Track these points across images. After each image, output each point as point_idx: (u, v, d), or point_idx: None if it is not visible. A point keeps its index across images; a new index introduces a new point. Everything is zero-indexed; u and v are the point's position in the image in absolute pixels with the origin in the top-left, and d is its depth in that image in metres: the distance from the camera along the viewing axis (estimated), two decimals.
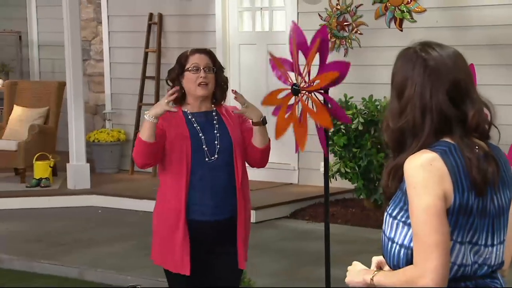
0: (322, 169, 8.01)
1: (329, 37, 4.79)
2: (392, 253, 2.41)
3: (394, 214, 2.41)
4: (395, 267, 2.42)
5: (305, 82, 4.69)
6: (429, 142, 2.37)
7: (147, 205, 7.31)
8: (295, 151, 5.02)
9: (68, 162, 9.29)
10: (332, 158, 7.97)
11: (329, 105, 4.73)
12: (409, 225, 2.37)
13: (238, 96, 4.10)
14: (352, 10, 8.78)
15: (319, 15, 8.90)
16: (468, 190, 2.34)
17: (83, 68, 9.88)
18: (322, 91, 4.72)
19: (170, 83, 4.24)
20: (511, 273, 2.75)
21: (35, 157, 9.31)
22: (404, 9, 8.46)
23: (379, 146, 7.88)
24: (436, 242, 2.28)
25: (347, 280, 2.53)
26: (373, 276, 2.44)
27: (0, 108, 10.98)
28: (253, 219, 7.45)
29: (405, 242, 2.38)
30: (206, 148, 4.10)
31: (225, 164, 4.11)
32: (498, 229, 2.42)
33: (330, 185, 5.10)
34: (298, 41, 4.64)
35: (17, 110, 10.05)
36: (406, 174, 2.34)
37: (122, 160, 10.22)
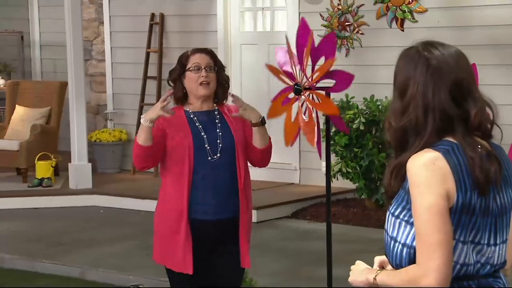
0: (323, 169, 8.02)
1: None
2: (395, 252, 2.41)
3: (396, 213, 2.42)
4: (397, 266, 2.42)
5: (307, 79, 4.69)
6: (431, 141, 2.37)
7: (149, 205, 7.31)
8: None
9: (70, 162, 9.30)
10: (333, 158, 7.98)
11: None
12: (411, 224, 2.37)
13: (235, 99, 4.11)
14: (354, 10, 8.79)
15: (321, 15, 8.90)
16: (470, 189, 2.34)
17: (85, 68, 9.89)
18: (324, 93, 4.73)
19: (172, 83, 4.25)
20: None
21: (37, 157, 9.32)
22: (406, 9, 8.47)
23: (380, 146, 7.88)
24: (439, 241, 2.29)
25: (350, 279, 2.53)
26: (376, 276, 2.44)
27: (2, 108, 11.00)
28: (254, 219, 7.46)
29: (408, 241, 2.38)
30: (208, 147, 4.11)
31: (228, 163, 4.12)
32: (501, 228, 2.42)
33: (332, 185, 5.11)
34: (304, 40, 4.64)
35: (19, 110, 10.06)
36: (409, 173, 2.35)
37: (124, 160, 10.23)
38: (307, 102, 4.67)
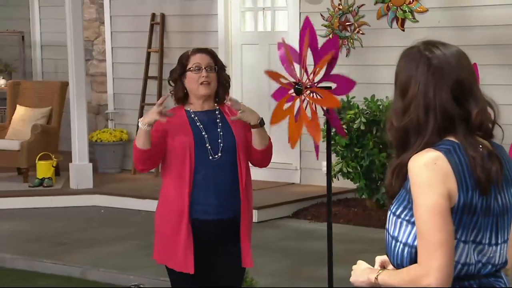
0: (324, 169, 8.02)
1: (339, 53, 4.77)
2: (396, 251, 2.41)
3: (397, 212, 2.42)
4: (398, 266, 2.42)
5: (308, 79, 4.69)
6: (432, 140, 2.37)
7: (150, 205, 7.32)
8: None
9: (71, 162, 9.30)
10: (334, 158, 7.98)
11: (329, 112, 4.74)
12: (413, 223, 2.37)
13: (233, 103, 4.11)
14: (354, 10, 8.79)
15: (321, 15, 8.91)
16: (472, 189, 2.34)
17: (86, 68, 9.89)
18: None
19: (173, 83, 4.25)
20: None
21: (38, 156, 9.32)
22: (406, 9, 8.47)
23: (381, 146, 7.89)
24: (441, 240, 2.29)
25: (351, 279, 2.53)
26: (377, 275, 2.44)
27: (3, 108, 11.00)
28: (255, 218, 7.46)
29: (409, 241, 2.38)
30: (209, 147, 4.11)
31: (229, 163, 4.12)
32: (502, 228, 2.42)
33: (332, 185, 5.11)
34: (310, 39, 4.63)
35: (20, 110, 10.07)
36: (411, 173, 2.35)
37: (125, 160, 10.24)
38: (308, 99, 4.66)
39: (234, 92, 9.30)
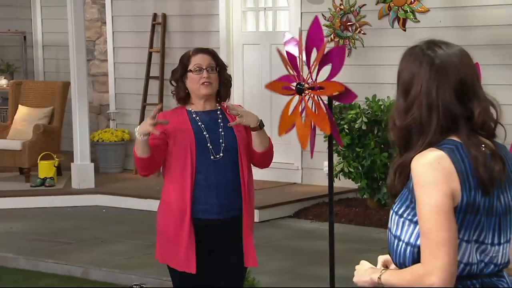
0: (325, 168, 8.03)
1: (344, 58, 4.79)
2: (398, 251, 2.42)
3: (400, 212, 2.42)
4: (401, 265, 2.42)
5: (312, 80, 4.70)
6: (435, 140, 2.37)
7: (151, 204, 7.33)
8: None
9: (73, 161, 9.31)
10: (335, 158, 7.99)
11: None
12: (415, 223, 2.37)
13: (231, 108, 4.11)
14: (356, 10, 8.80)
15: (323, 15, 8.91)
16: (475, 188, 2.34)
17: (87, 68, 9.90)
18: (326, 102, 4.73)
19: (174, 83, 4.26)
20: None
21: (40, 156, 9.33)
22: (408, 9, 8.47)
23: (382, 146, 7.90)
24: (444, 240, 2.29)
25: (355, 279, 2.53)
26: (380, 275, 2.45)
27: (5, 108, 11.02)
28: (256, 218, 7.45)
29: (412, 240, 2.38)
30: (210, 147, 4.11)
31: (230, 163, 4.12)
32: (505, 228, 2.42)
33: (334, 184, 5.11)
34: (316, 37, 4.64)
35: (21, 110, 10.08)
36: (414, 173, 2.35)
37: (126, 159, 10.25)
38: (311, 93, 4.67)
39: (236, 92, 9.31)
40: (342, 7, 8.87)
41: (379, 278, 2.45)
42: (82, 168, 9.24)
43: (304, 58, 4.67)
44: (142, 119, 10.03)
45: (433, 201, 2.30)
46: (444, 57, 2.40)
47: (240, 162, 4.13)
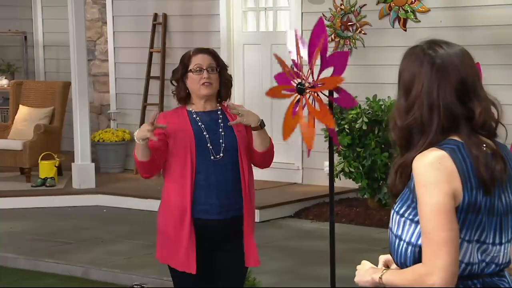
0: (326, 168, 8.03)
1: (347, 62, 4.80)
2: (400, 251, 2.42)
3: (401, 212, 2.42)
4: (402, 265, 2.42)
5: (313, 79, 4.70)
6: (436, 140, 2.37)
7: (152, 204, 7.33)
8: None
9: (73, 161, 9.32)
10: (336, 158, 7.99)
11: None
12: (416, 223, 2.37)
13: (231, 108, 4.11)
14: (356, 10, 8.80)
15: (323, 15, 8.91)
16: (476, 188, 2.34)
17: (88, 68, 9.91)
18: (326, 100, 4.74)
19: (175, 83, 4.26)
20: None
21: (41, 156, 9.34)
22: (408, 9, 8.47)
23: (383, 146, 7.90)
24: (445, 239, 2.29)
25: (356, 279, 2.53)
26: (381, 275, 2.44)
27: (5, 108, 11.03)
28: (257, 218, 7.42)
29: (413, 240, 2.38)
30: (211, 147, 4.12)
31: (231, 163, 4.12)
32: (506, 228, 2.42)
33: (334, 184, 5.12)
34: (320, 37, 4.64)
35: (22, 110, 10.08)
36: (415, 172, 2.35)
37: (127, 159, 10.25)
38: (312, 91, 4.67)
39: (236, 92, 9.31)
40: (342, 7, 8.88)
41: (380, 278, 2.45)
42: (82, 168, 9.25)
43: (306, 58, 4.67)
44: (142, 119, 10.04)
45: (434, 201, 2.30)
46: (445, 57, 2.40)
47: (240, 162, 4.13)
